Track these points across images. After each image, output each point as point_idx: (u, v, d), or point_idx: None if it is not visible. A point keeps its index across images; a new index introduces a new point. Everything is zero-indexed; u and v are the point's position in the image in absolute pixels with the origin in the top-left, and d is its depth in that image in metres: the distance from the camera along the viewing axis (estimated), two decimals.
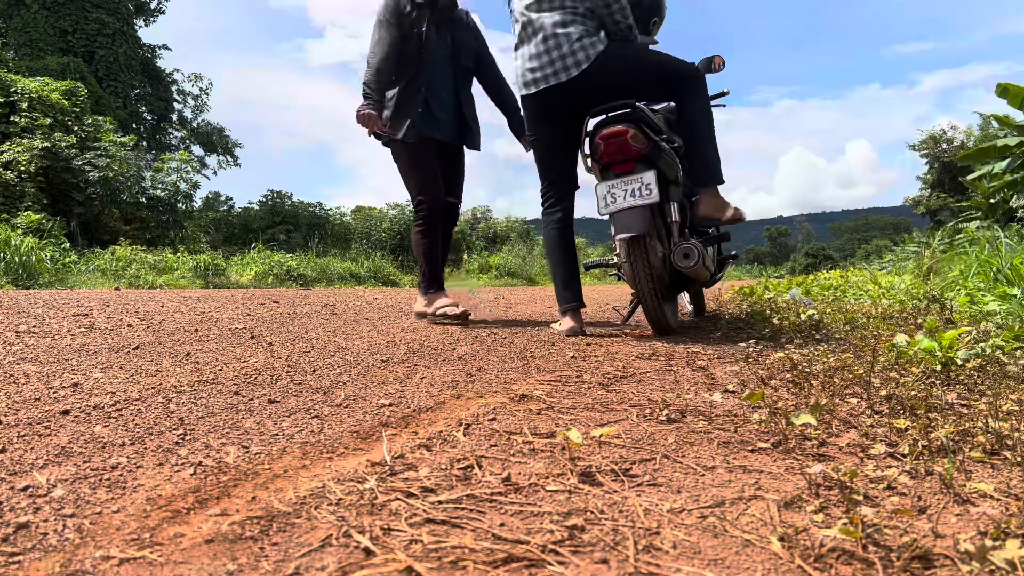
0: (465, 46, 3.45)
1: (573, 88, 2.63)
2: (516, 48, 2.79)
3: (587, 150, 2.74)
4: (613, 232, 2.61)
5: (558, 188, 2.93)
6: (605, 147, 2.57)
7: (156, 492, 0.82)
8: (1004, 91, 9.33)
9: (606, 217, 2.64)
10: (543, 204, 2.99)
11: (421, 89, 3.31)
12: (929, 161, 26.19)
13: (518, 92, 2.83)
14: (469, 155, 3.70)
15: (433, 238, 3.38)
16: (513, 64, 2.82)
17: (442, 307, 3.31)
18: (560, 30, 2.60)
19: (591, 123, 2.73)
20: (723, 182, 2.59)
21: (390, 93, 3.34)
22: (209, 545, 0.67)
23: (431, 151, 3.37)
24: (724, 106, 3.44)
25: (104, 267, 9.21)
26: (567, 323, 2.86)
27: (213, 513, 0.75)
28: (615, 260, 3.02)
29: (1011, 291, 3.12)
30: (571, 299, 2.87)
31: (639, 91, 2.64)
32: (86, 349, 2.10)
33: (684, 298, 3.94)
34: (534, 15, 2.68)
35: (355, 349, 2.25)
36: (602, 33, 2.63)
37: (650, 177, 2.52)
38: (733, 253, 3.47)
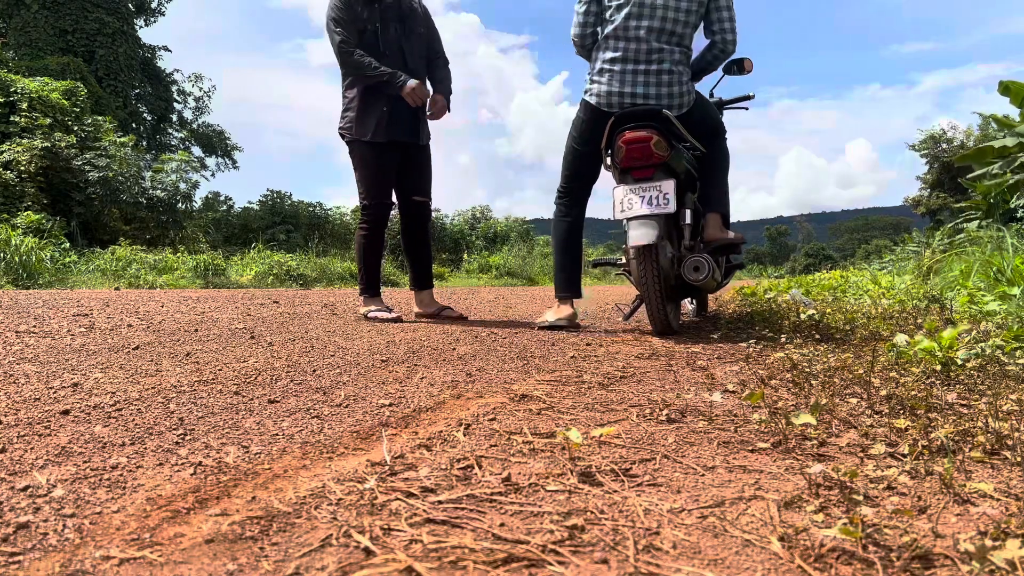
0: (416, 35, 3.42)
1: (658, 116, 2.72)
2: (604, 51, 2.77)
3: (608, 150, 2.73)
4: (627, 234, 2.59)
5: (579, 192, 3.04)
6: (627, 151, 2.56)
7: (156, 492, 0.82)
8: (1006, 89, 9.31)
9: (620, 218, 2.63)
10: (559, 200, 3.06)
11: (384, 88, 3.29)
12: (929, 161, 26.15)
13: (595, 99, 2.76)
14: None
15: (373, 243, 3.44)
16: (601, 65, 2.77)
17: (373, 311, 3.44)
18: (677, 68, 2.72)
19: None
20: (727, 213, 2.86)
21: (350, 94, 3.33)
22: (209, 545, 0.67)
23: (392, 155, 3.38)
24: (747, 109, 3.50)
25: (104, 267, 9.21)
26: (563, 311, 2.99)
27: (213, 513, 0.75)
28: (623, 260, 3.03)
29: (1011, 291, 3.13)
30: (570, 288, 3.03)
31: (693, 132, 2.82)
32: (86, 349, 2.10)
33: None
34: (642, 35, 2.69)
35: (355, 349, 2.25)
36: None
37: (669, 186, 2.52)
38: (740, 262, 3.47)
